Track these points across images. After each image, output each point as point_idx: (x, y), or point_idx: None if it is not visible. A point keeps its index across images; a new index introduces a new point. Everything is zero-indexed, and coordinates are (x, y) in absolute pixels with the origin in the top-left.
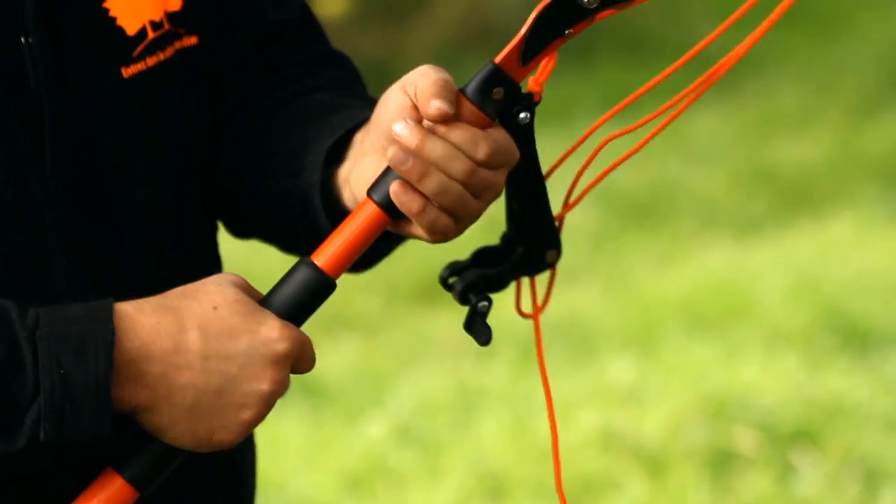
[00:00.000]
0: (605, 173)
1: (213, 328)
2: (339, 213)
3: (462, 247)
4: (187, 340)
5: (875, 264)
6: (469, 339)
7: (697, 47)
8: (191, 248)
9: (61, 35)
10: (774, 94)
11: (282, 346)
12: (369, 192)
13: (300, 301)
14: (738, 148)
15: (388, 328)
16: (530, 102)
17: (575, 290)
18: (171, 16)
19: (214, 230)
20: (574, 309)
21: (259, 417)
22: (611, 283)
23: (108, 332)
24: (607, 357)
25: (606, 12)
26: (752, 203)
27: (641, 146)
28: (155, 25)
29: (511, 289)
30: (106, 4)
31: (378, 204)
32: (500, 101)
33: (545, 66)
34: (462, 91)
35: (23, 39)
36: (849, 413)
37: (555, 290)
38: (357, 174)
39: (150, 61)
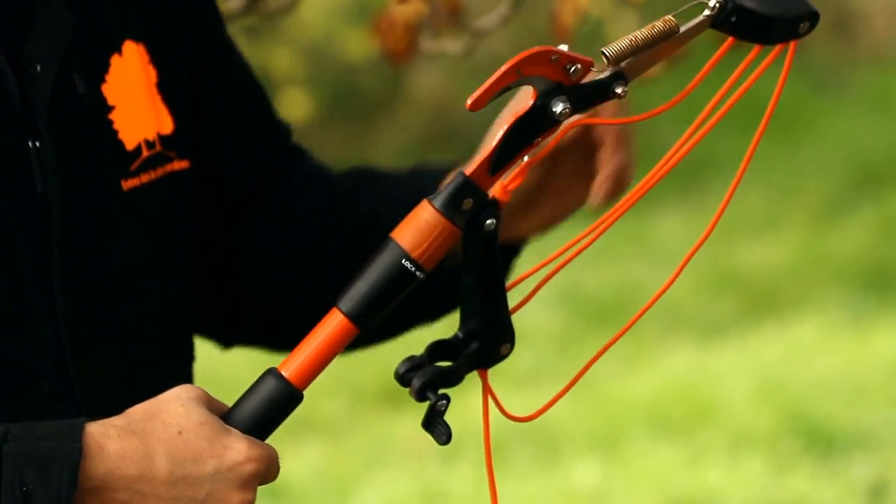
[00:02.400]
0: (557, 269)
1: (180, 454)
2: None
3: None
4: (153, 468)
5: (839, 368)
6: (433, 442)
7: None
8: (182, 360)
9: (68, 141)
10: (738, 197)
11: (249, 468)
12: (337, 303)
13: (266, 414)
14: (702, 250)
15: (353, 431)
16: (496, 209)
17: (539, 392)
18: (163, 138)
19: (193, 342)
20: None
21: None
22: (575, 385)
23: (74, 450)
24: (572, 460)
25: (574, 121)
26: (716, 306)
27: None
28: (149, 144)
29: (478, 392)
30: (111, 116)
31: (345, 314)
32: (468, 211)
33: (515, 176)
34: (430, 201)
35: (30, 143)
36: None
37: (518, 392)
38: None
39: (144, 178)
